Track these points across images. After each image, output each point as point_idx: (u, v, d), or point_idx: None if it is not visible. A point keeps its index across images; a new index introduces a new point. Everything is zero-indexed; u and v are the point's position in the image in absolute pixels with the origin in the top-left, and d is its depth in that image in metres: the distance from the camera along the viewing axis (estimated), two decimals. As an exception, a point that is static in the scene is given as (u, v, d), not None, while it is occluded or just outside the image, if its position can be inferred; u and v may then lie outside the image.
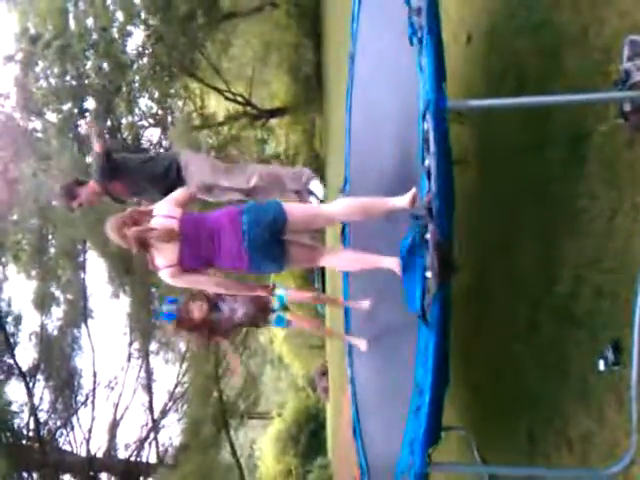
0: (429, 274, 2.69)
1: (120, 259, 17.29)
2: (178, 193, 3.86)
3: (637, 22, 2.56)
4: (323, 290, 23.37)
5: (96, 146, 4.95)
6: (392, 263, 3.40)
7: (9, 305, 18.64)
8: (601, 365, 2.59)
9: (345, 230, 6.14)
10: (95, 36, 21.03)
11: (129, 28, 22.09)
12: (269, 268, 3.82)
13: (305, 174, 5.60)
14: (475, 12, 4.44)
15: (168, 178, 5.03)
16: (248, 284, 4.33)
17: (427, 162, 2.72)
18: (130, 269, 17.28)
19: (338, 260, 3.85)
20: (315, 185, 5.35)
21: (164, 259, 3.64)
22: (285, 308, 4.88)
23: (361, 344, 4.34)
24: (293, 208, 3.66)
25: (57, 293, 19.56)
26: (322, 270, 23.05)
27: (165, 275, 3.71)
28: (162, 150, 21.10)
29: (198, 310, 4.71)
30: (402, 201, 3.35)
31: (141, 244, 3.59)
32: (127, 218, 3.67)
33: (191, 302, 4.79)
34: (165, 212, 3.70)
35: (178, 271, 3.68)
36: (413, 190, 3.29)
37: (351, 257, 3.83)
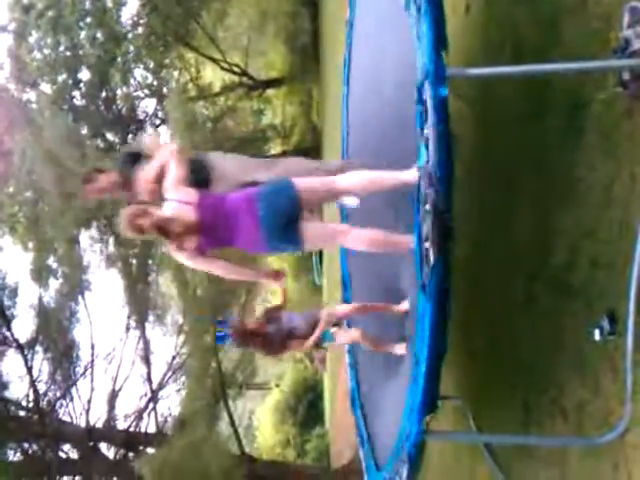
0: (428, 244, 2.69)
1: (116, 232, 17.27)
2: (172, 172, 3.81)
3: (637, -11, 2.52)
4: (321, 269, 23.39)
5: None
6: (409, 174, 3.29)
7: (4, 278, 18.60)
8: (596, 335, 2.61)
9: (344, 211, 6.13)
10: (89, 5, 20.77)
11: (123, -3, 21.82)
12: (288, 249, 3.84)
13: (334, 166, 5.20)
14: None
15: (197, 182, 4.78)
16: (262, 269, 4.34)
17: (426, 131, 2.70)
18: (125, 240, 17.26)
19: (356, 239, 3.76)
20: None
21: (183, 242, 3.63)
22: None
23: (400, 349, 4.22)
24: (305, 184, 3.62)
25: (54, 265, 19.53)
26: (320, 256, 23.08)
27: (184, 258, 3.70)
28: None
29: (253, 322, 4.63)
30: (410, 174, 3.33)
31: (161, 232, 3.58)
32: (142, 210, 3.65)
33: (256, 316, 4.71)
34: (178, 197, 3.67)
35: (197, 254, 3.67)
36: (415, 171, 3.28)
37: (372, 235, 3.72)
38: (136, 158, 4.48)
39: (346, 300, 6.22)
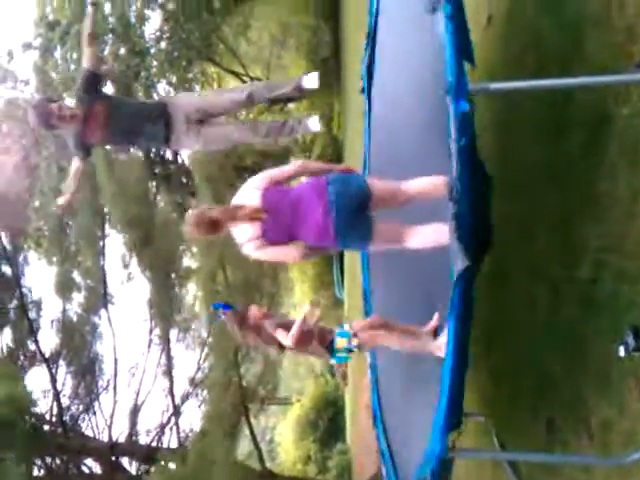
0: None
1: (141, 240, 17.40)
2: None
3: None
4: (342, 283, 23.22)
5: (88, 55, 4.65)
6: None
7: (30, 292, 18.80)
8: (621, 351, 2.55)
9: None
10: (113, 21, 21.03)
11: (146, 12, 22.07)
12: (355, 244, 3.76)
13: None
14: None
15: (155, 120, 4.71)
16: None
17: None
18: (151, 254, 17.38)
19: (425, 237, 3.58)
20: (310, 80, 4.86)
21: (246, 233, 3.58)
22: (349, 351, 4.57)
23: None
24: (376, 183, 3.57)
25: (78, 279, 19.68)
26: (341, 265, 22.95)
27: (249, 249, 3.63)
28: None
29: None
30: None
31: (230, 219, 3.56)
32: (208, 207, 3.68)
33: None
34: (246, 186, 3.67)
35: (262, 244, 3.59)
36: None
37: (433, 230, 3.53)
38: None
39: (367, 313, 6.18)
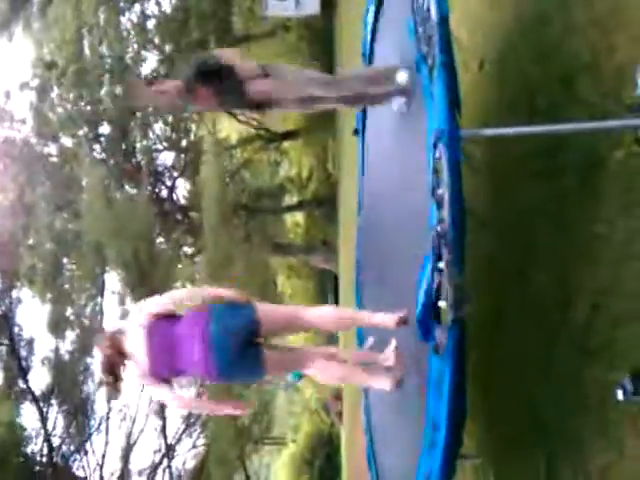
0: (443, 304, 2.66)
1: (137, 278, 17.37)
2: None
3: (650, 47, 2.55)
4: (336, 301, 23.18)
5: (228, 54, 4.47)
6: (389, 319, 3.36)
7: (21, 329, 18.72)
8: (619, 395, 2.54)
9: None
10: (110, 62, 21.29)
11: (143, 54, 22.36)
12: (245, 378, 3.72)
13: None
14: (487, 40, 4.45)
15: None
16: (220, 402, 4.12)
17: (440, 191, 2.70)
18: (148, 292, 17.33)
19: (329, 366, 3.58)
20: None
21: (136, 368, 3.50)
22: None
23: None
24: (268, 311, 3.48)
25: (72, 317, 19.59)
26: (335, 285, 22.93)
27: (141, 383, 3.58)
28: None
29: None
30: (389, 320, 3.35)
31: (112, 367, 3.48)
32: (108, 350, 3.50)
33: None
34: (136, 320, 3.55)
35: (151, 381, 3.52)
36: (403, 313, 3.34)
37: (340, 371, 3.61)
38: (207, 73, 4.35)
39: (359, 336, 6.18)
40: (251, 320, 3.35)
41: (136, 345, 3.45)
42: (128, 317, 3.60)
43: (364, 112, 6.11)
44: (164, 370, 3.52)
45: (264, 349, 3.40)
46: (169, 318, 3.56)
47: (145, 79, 4.76)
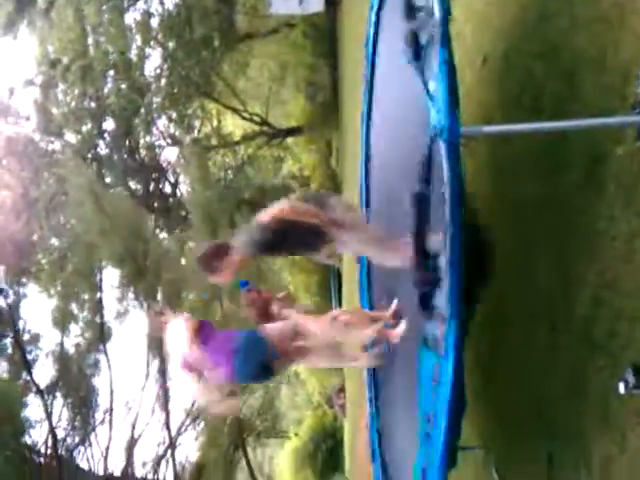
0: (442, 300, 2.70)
1: (135, 276, 17.40)
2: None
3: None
4: (339, 301, 23.23)
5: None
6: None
7: (26, 324, 18.79)
8: (621, 388, 2.58)
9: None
10: (113, 59, 21.28)
11: (147, 51, 22.35)
12: (254, 382, 4.32)
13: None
14: (491, 36, 4.46)
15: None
16: None
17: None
18: (147, 288, 17.38)
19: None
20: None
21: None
22: None
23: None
24: (273, 331, 4.02)
25: (76, 312, 19.65)
26: (339, 281, 22.92)
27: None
28: None
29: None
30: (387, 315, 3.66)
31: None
32: None
33: None
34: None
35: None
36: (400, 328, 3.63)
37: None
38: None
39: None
40: (265, 351, 3.95)
41: None
42: None
43: (367, 108, 6.11)
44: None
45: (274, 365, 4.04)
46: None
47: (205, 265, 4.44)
